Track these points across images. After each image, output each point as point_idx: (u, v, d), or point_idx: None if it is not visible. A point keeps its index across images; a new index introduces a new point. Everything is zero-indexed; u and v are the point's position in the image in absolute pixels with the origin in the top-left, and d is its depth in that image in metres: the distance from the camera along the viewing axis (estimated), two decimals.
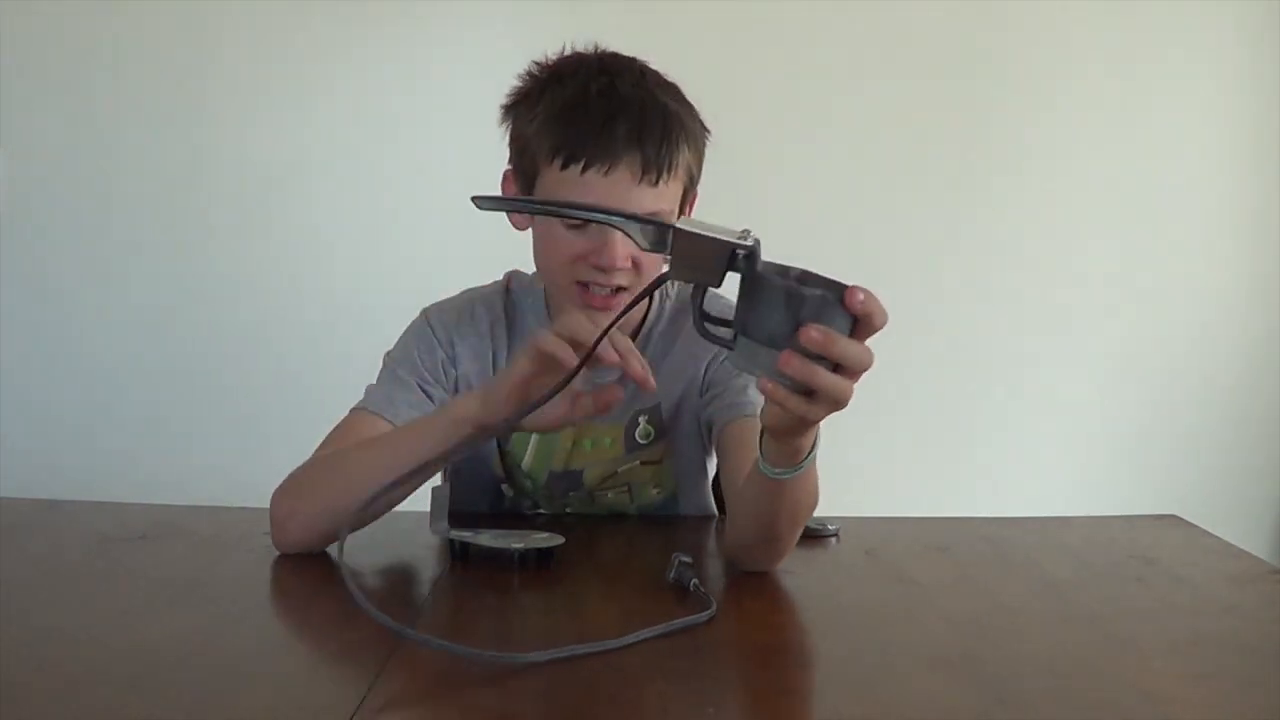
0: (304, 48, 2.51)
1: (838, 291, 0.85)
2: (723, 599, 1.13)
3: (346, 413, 1.26)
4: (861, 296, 0.84)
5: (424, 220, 2.51)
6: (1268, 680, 0.89)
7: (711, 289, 0.91)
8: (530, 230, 1.28)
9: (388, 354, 1.32)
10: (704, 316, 0.91)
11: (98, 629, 0.94)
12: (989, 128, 2.61)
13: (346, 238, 2.53)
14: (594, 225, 1.19)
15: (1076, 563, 1.24)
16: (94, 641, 0.91)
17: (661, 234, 0.89)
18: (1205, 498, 2.26)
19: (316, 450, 1.22)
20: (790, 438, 0.97)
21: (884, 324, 0.87)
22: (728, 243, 0.86)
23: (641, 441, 1.36)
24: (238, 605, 1.04)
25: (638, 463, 1.36)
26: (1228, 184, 2.68)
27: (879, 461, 2.60)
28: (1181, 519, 1.44)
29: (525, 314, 1.36)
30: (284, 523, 1.14)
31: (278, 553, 1.16)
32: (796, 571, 1.14)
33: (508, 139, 1.28)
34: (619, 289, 1.21)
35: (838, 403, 0.88)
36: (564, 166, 1.19)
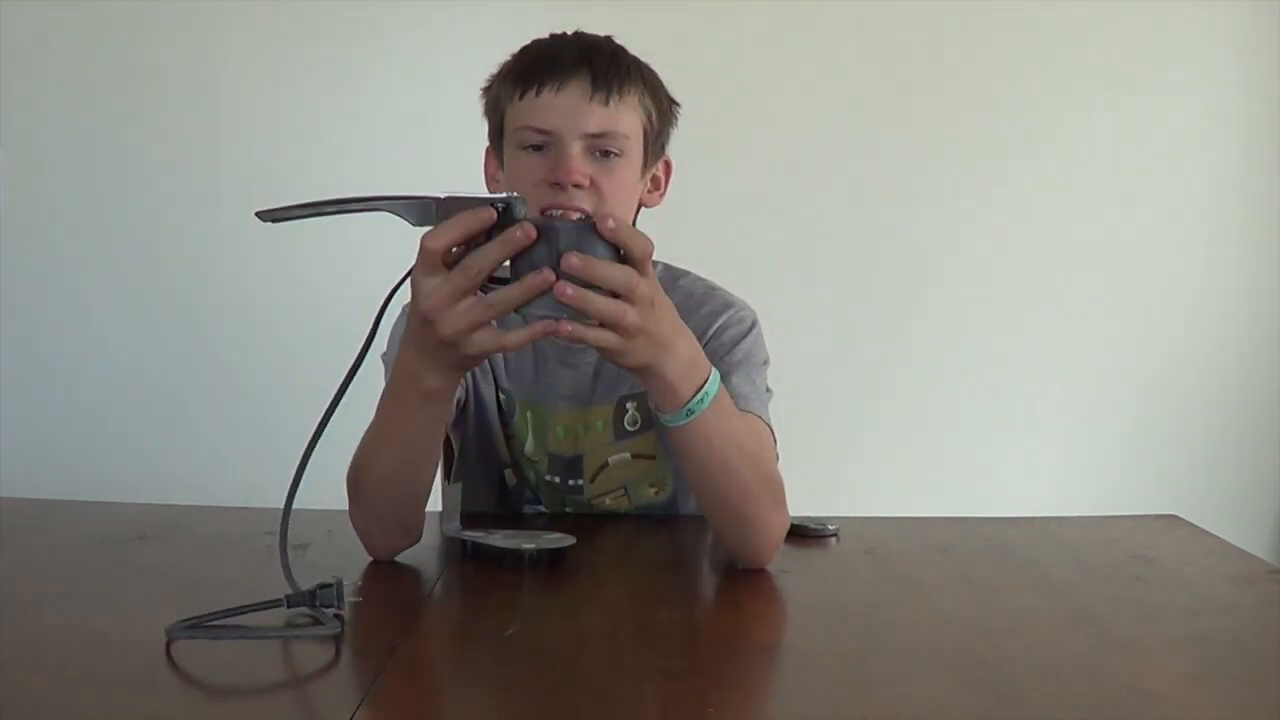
0: (304, 46, 2.51)
1: (591, 222, 0.92)
2: (723, 599, 1.13)
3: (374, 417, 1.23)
4: (611, 224, 0.91)
5: None
6: (1268, 680, 0.88)
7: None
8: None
9: (383, 355, 1.31)
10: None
11: (98, 629, 0.94)
12: (989, 127, 2.61)
13: (347, 237, 2.52)
14: (551, 146, 1.22)
15: (1076, 563, 1.24)
16: (94, 641, 0.91)
17: (426, 210, 0.96)
18: (1205, 498, 2.26)
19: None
20: (645, 378, 1.02)
21: (648, 252, 0.93)
22: (485, 198, 0.92)
23: (630, 429, 1.35)
24: (237, 605, 1.04)
25: (629, 455, 1.35)
26: (1228, 183, 2.67)
27: (879, 461, 2.60)
28: (1181, 519, 1.43)
29: None
30: (366, 539, 1.14)
31: (275, 552, 1.15)
32: (796, 571, 1.14)
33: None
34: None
35: (618, 326, 0.93)
36: (522, 95, 1.24)
